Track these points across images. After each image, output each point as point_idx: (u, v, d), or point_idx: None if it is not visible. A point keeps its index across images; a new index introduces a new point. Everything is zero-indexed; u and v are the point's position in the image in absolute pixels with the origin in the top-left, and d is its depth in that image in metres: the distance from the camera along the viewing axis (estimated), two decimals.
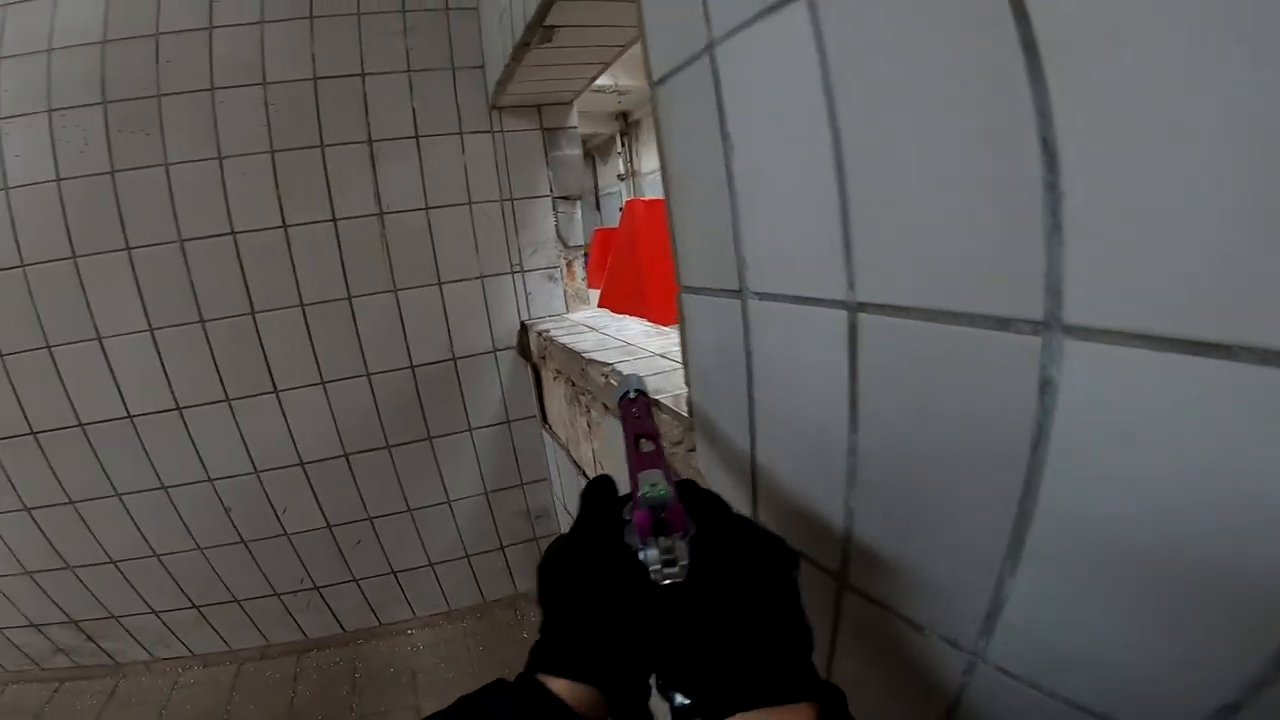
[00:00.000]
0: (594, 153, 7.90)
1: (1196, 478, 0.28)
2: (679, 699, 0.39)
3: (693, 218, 0.67)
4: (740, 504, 0.66)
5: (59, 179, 1.55)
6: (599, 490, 0.49)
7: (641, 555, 0.40)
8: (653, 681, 0.41)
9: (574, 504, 1.71)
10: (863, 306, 0.44)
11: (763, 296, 0.57)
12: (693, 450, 0.82)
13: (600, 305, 2.10)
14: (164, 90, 1.56)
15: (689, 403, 0.79)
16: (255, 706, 1.83)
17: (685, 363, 0.77)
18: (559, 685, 0.37)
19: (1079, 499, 0.33)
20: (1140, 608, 0.32)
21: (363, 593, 2.02)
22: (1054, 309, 0.31)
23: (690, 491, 0.46)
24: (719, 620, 0.37)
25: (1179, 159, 0.25)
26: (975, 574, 0.40)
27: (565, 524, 1.98)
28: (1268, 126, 0.22)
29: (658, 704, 0.41)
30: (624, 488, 0.48)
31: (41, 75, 1.53)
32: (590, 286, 2.09)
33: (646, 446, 0.51)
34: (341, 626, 2.06)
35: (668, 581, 0.39)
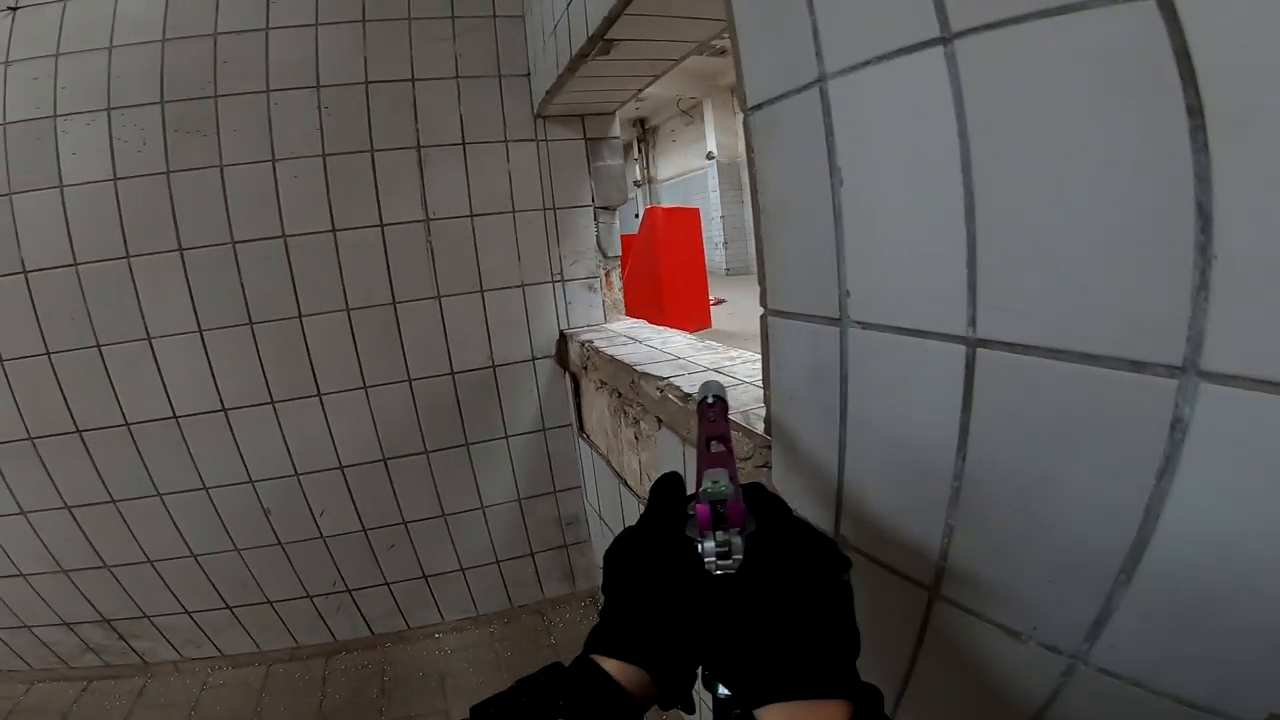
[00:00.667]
0: None
1: None
2: (722, 690, 0.42)
3: (788, 245, 0.69)
4: (821, 516, 0.69)
5: (115, 178, 1.57)
6: (668, 486, 0.50)
7: (700, 547, 0.43)
8: (700, 673, 0.43)
9: (610, 512, 1.73)
10: (984, 343, 0.47)
11: (865, 326, 0.58)
12: (763, 466, 0.83)
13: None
14: (221, 91, 1.58)
15: (767, 420, 0.80)
16: (284, 709, 1.83)
17: (766, 382, 0.78)
18: (611, 665, 0.39)
19: (1200, 522, 0.36)
20: (1253, 614, 0.35)
21: (393, 596, 2.03)
22: (1193, 356, 0.34)
23: (756, 494, 0.48)
24: (764, 613, 0.39)
25: None
26: (1086, 587, 0.42)
27: (598, 531, 1.99)
28: None
29: (699, 695, 0.43)
30: (694, 487, 0.50)
31: (102, 73, 1.55)
32: None
33: (717, 448, 0.53)
34: (371, 630, 2.06)
35: (720, 572, 0.42)
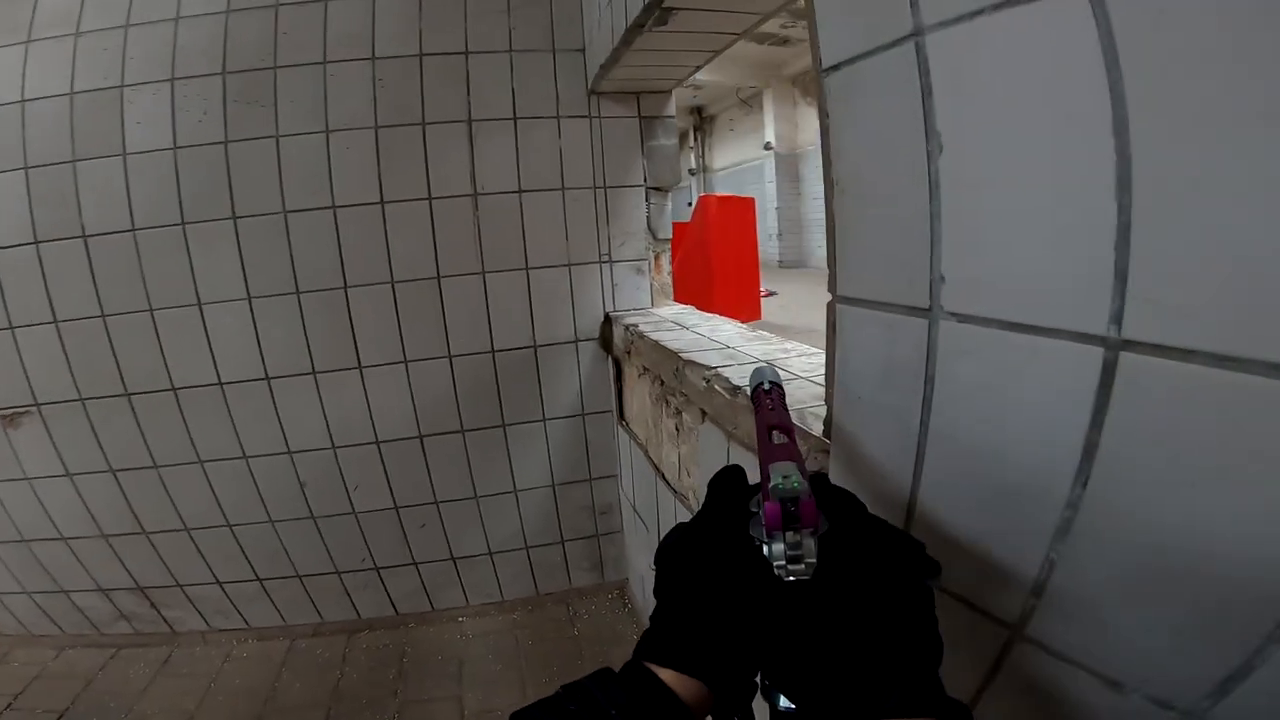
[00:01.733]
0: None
1: None
2: (783, 702, 0.38)
3: (866, 223, 0.61)
4: None
5: (176, 147, 1.59)
6: (728, 480, 0.47)
7: (766, 549, 0.39)
8: (760, 682, 0.40)
9: (645, 504, 1.68)
10: (1130, 345, 0.39)
11: (962, 319, 0.50)
12: (820, 471, 0.76)
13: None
14: (280, 63, 1.59)
15: (827, 421, 0.73)
16: (301, 685, 1.83)
17: (829, 379, 0.71)
18: (666, 675, 0.36)
19: None
20: None
21: (420, 576, 2.03)
22: None
23: (821, 487, 0.44)
24: (843, 624, 0.36)
25: None
26: (1224, 645, 0.36)
27: (631, 521, 1.94)
28: None
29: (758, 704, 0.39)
30: (754, 477, 0.46)
31: (168, 44, 1.57)
32: None
33: (779, 439, 0.48)
34: (395, 609, 2.06)
35: (792, 579, 0.38)
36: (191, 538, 1.88)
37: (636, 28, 1.29)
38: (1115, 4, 0.36)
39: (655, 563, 0.44)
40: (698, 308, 1.87)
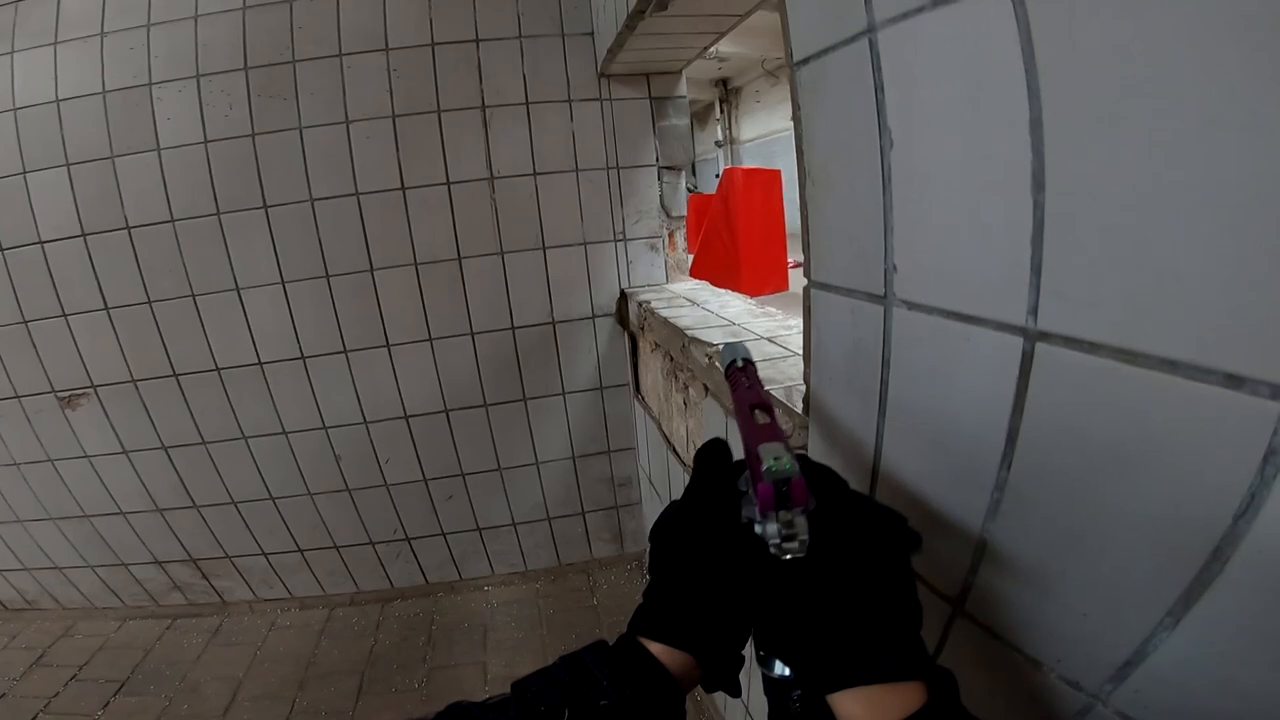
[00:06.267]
0: (692, 118, 7.77)
1: None
2: (779, 669, 0.40)
3: (833, 213, 0.64)
4: None
5: (206, 141, 1.67)
6: (714, 456, 0.47)
7: (759, 529, 0.39)
8: (747, 653, 0.42)
9: (659, 476, 1.74)
10: (1044, 336, 0.40)
11: (912, 306, 0.53)
12: (800, 448, 0.80)
13: (691, 274, 2.06)
14: (298, 56, 1.64)
15: (806, 400, 0.76)
16: (339, 652, 1.95)
17: (806, 358, 0.74)
18: (656, 649, 0.38)
19: (1273, 574, 0.30)
20: None
21: (448, 546, 2.13)
22: None
23: (807, 466, 0.44)
24: (835, 596, 0.37)
25: None
26: (1124, 627, 0.38)
27: (648, 495, 2.00)
28: None
29: (745, 676, 0.42)
30: (737, 453, 0.47)
31: (189, 42, 1.64)
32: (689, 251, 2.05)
33: (762, 418, 0.48)
34: (425, 578, 2.18)
35: (788, 557, 0.39)
36: (239, 510, 2.00)
37: (638, 13, 1.31)
38: (1034, 1, 0.37)
39: (650, 540, 0.46)
40: (725, 279, 1.89)
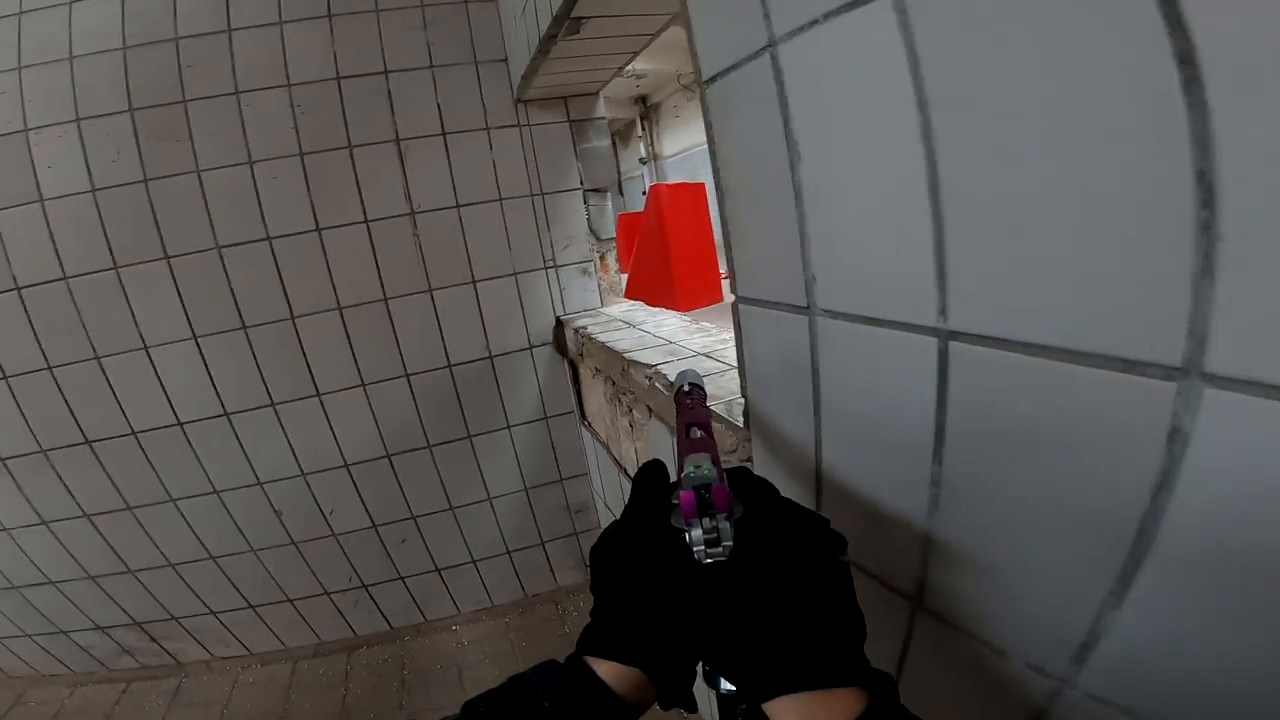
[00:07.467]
0: (614, 137, 7.84)
1: None
2: (724, 686, 0.40)
3: (752, 229, 0.64)
4: None
5: (94, 189, 1.56)
6: (650, 475, 0.48)
7: (687, 536, 0.41)
8: (700, 669, 0.41)
9: (614, 500, 1.71)
10: (956, 335, 0.42)
11: (834, 315, 0.54)
12: (746, 460, 0.80)
13: (627, 295, 2.06)
14: (189, 96, 1.55)
15: (746, 414, 0.76)
16: (310, 705, 1.87)
17: (742, 372, 0.74)
18: (605, 668, 0.37)
19: (1199, 546, 0.31)
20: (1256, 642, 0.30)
21: (409, 590, 2.05)
22: (1195, 356, 0.29)
23: (742, 478, 0.46)
24: (762, 601, 0.37)
25: None
26: (1073, 609, 0.39)
27: (606, 519, 1.98)
28: None
29: (700, 691, 0.41)
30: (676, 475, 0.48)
31: (66, 84, 1.53)
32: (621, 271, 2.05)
33: (696, 434, 0.51)
34: (389, 624, 2.09)
35: (710, 560, 0.39)
36: (178, 572, 1.88)
37: (550, 38, 1.30)
38: (916, 11, 0.38)
39: (589, 560, 0.46)
40: (659, 295, 1.89)
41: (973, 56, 0.36)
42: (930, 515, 0.48)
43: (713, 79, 0.64)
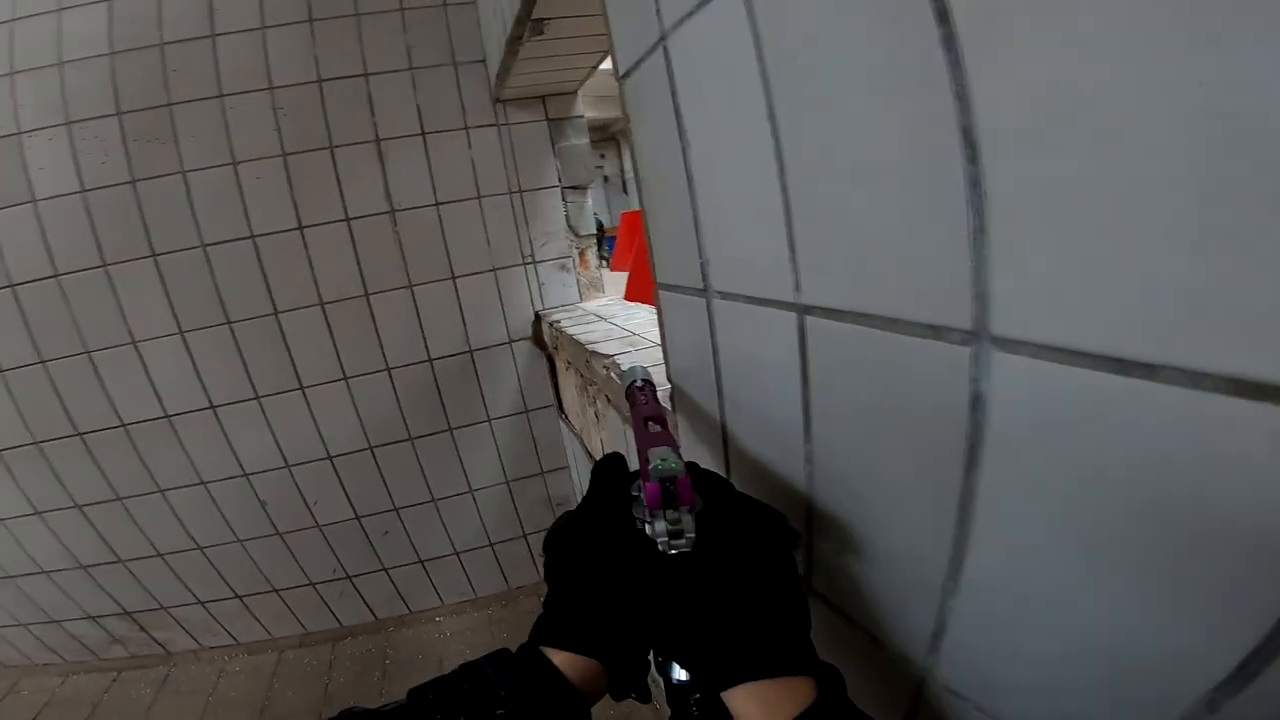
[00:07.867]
0: (619, 136, 7.87)
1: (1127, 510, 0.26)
2: (676, 674, 0.41)
3: (662, 216, 0.66)
4: None
5: (84, 190, 1.61)
6: (609, 467, 0.49)
7: (649, 528, 0.41)
8: (652, 658, 0.42)
9: None
10: (809, 310, 0.43)
11: (724, 296, 0.56)
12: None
13: (627, 297, 2.08)
14: (174, 99, 1.60)
15: (671, 398, 0.78)
16: (294, 693, 1.91)
17: (665, 358, 0.77)
18: (560, 658, 0.38)
19: (1007, 526, 0.31)
20: (1085, 623, 0.30)
21: (392, 582, 2.09)
22: (982, 318, 0.29)
23: (695, 470, 0.46)
24: (721, 593, 0.37)
25: (1109, 161, 0.22)
26: (920, 594, 0.39)
27: None
28: (1209, 128, 0.19)
29: (653, 681, 0.42)
30: (634, 467, 0.49)
31: (56, 88, 1.58)
32: (615, 269, 2.08)
33: (654, 428, 0.52)
34: (374, 614, 2.13)
35: (674, 552, 0.40)
36: (166, 562, 1.93)
37: (515, 39, 1.33)
38: (760, 10, 0.40)
39: (544, 549, 0.46)
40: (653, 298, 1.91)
41: (792, 39, 0.38)
42: (809, 489, 0.49)
43: (627, 74, 0.67)
